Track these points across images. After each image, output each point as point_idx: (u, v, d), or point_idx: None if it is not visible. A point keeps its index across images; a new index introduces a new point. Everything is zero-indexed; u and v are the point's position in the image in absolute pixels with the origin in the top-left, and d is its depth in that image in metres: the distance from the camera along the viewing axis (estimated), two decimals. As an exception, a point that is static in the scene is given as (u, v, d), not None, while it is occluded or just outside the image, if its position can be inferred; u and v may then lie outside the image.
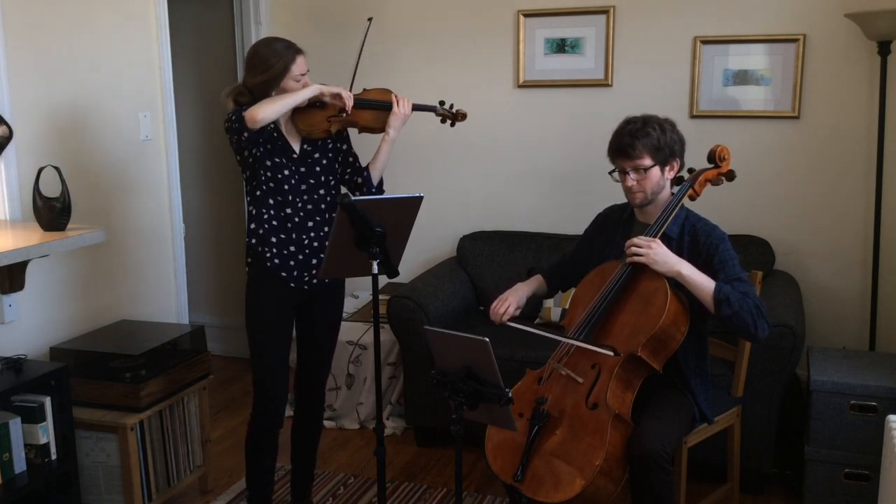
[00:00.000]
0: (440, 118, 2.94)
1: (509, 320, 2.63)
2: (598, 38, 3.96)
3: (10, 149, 2.84)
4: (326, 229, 2.79)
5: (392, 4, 4.26)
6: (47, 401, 2.64)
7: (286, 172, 2.74)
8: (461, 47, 4.18)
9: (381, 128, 2.83)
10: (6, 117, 2.81)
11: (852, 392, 2.99)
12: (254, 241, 2.78)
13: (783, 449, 3.32)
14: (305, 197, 2.77)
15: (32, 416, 2.62)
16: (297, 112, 2.76)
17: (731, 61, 3.78)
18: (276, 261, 2.76)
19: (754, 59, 3.75)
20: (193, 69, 4.71)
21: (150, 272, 3.57)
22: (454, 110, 2.93)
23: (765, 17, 3.71)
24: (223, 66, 4.60)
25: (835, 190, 3.72)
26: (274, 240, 2.75)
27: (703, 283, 2.42)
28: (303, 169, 2.77)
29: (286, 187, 2.74)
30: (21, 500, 2.59)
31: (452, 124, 2.95)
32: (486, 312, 2.77)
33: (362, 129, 2.86)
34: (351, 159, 2.92)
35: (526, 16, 4.05)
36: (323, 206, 2.81)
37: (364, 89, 2.88)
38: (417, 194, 2.45)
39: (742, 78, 3.78)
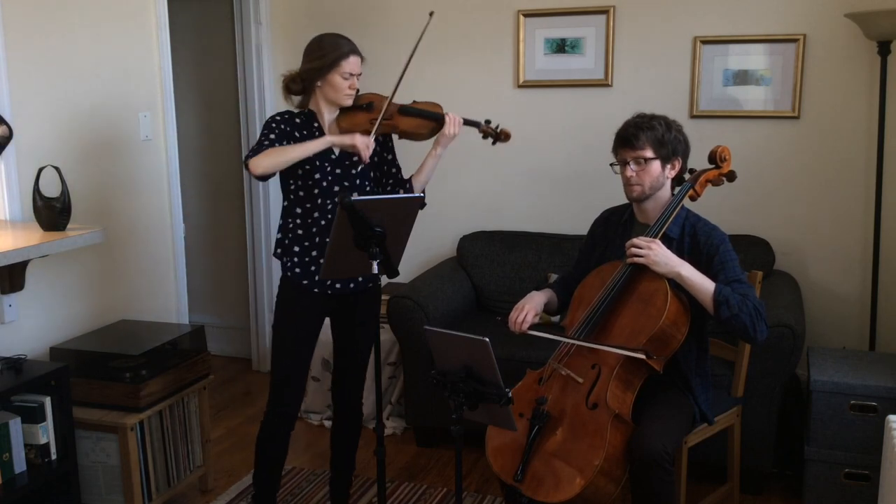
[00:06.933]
0: (482, 135, 2.87)
1: (529, 328, 2.60)
2: (598, 38, 3.96)
3: (10, 149, 2.84)
4: None
5: (391, 4, 4.26)
6: (47, 401, 2.64)
7: (317, 176, 2.68)
8: (461, 47, 4.18)
9: (421, 136, 2.78)
10: (6, 117, 2.80)
11: (852, 392, 2.99)
12: (279, 250, 2.77)
13: (783, 449, 3.32)
14: (336, 199, 2.68)
15: (32, 416, 2.62)
16: (341, 112, 2.75)
17: (731, 61, 3.79)
18: (297, 269, 2.73)
19: (754, 59, 3.75)
20: (193, 69, 4.71)
21: (150, 272, 3.57)
22: (498, 129, 2.86)
23: (765, 17, 3.71)
24: (223, 66, 4.60)
25: (835, 190, 3.72)
26: (297, 248, 2.73)
27: (702, 284, 2.42)
28: (338, 171, 2.72)
29: (317, 191, 2.70)
30: (21, 500, 2.59)
31: (494, 143, 2.87)
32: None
33: (402, 135, 2.80)
34: (394, 170, 2.86)
35: (526, 16, 4.05)
36: None
37: (413, 101, 2.83)
38: (418, 194, 2.45)
39: (742, 78, 3.78)
